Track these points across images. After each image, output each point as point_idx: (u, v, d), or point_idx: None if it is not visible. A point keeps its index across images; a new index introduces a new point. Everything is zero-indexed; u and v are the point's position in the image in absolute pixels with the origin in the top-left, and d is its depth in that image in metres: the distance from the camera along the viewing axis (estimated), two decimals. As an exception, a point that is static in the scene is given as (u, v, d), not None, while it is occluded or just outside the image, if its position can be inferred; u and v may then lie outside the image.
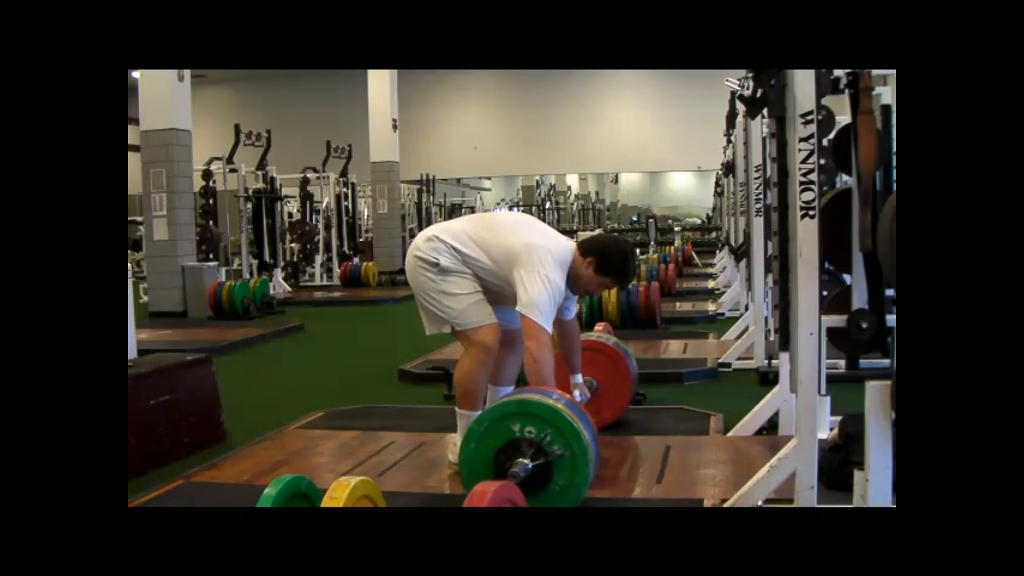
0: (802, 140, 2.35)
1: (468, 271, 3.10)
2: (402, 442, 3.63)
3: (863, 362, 2.53)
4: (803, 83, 2.35)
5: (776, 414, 3.54)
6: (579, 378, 3.40)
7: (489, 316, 3.11)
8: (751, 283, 5.43)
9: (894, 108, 2.70)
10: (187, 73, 9.25)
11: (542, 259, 2.99)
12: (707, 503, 2.75)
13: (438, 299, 3.10)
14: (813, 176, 2.34)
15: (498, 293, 3.14)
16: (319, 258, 13.31)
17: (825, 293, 2.44)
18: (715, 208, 19.91)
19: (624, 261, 3.16)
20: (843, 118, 2.50)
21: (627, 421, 3.96)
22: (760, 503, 2.43)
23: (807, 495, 2.38)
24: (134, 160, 7.50)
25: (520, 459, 2.49)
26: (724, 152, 10.05)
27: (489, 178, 27.04)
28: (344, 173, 13.89)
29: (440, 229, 3.19)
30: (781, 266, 2.58)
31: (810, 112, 2.35)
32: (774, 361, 4.04)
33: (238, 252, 11.55)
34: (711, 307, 8.35)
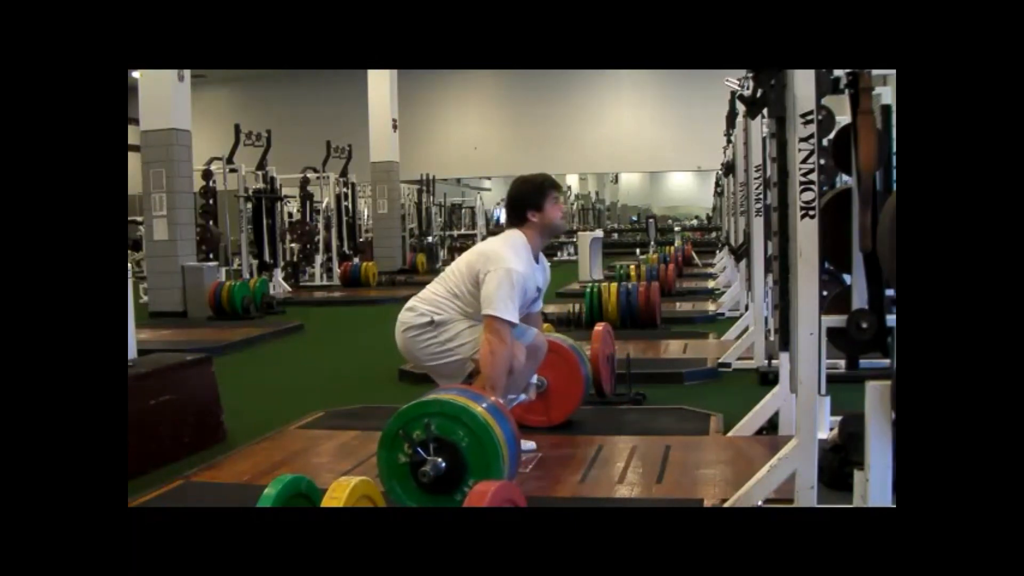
0: (802, 140, 2.35)
1: (459, 316, 3.16)
2: (402, 442, 3.62)
3: (863, 362, 2.52)
4: (803, 83, 2.35)
5: (776, 414, 3.54)
6: (533, 377, 3.43)
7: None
8: (751, 283, 5.43)
9: (894, 108, 2.70)
10: (187, 73, 9.25)
11: (495, 257, 3.07)
12: (707, 503, 2.75)
13: (448, 349, 3.15)
14: (813, 176, 2.34)
15: None
16: (319, 258, 13.31)
17: (825, 293, 2.44)
18: (715, 208, 19.91)
19: (532, 179, 3.27)
20: (843, 118, 2.50)
21: (627, 421, 3.97)
22: (760, 503, 2.43)
23: (807, 495, 2.38)
24: (134, 160, 7.50)
25: (431, 458, 2.44)
26: (724, 152, 10.05)
27: (489, 178, 27.04)
28: (344, 173, 13.89)
29: (416, 301, 3.26)
30: (781, 266, 2.58)
31: (810, 112, 2.35)
32: (774, 361, 4.04)
33: (238, 252, 11.55)
34: (711, 307, 8.35)
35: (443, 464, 2.44)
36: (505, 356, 2.97)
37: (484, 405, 2.54)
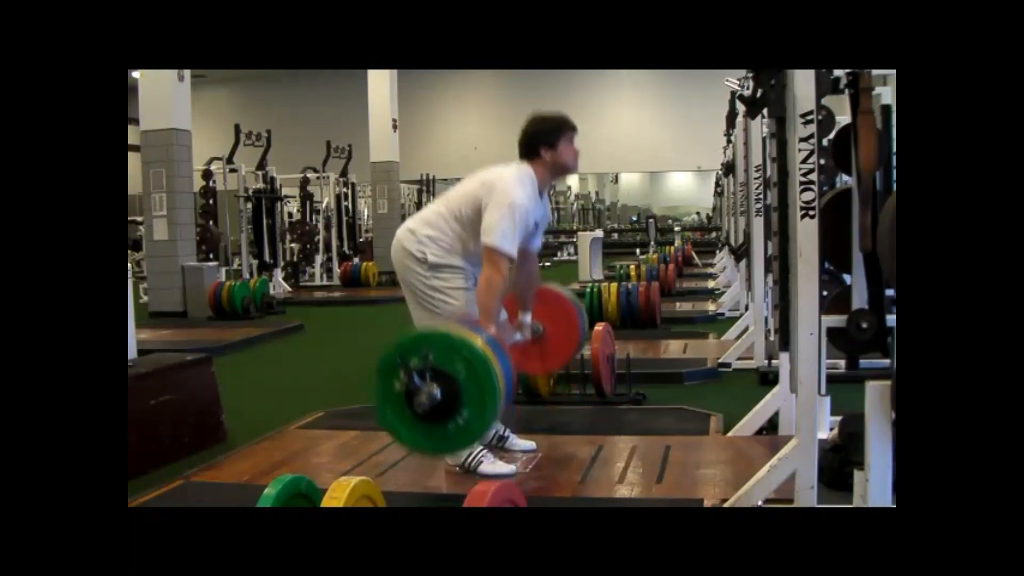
0: (802, 140, 2.35)
1: (457, 262, 3.08)
2: (402, 442, 3.62)
3: (863, 362, 2.53)
4: (803, 83, 2.35)
5: (776, 414, 3.54)
6: (528, 317, 3.37)
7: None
8: (751, 283, 5.43)
9: (894, 108, 2.70)
10: (187, 73, 9.25)
11: (501, 188, 2.99)
12: (707, 503, 2.75)
13: (431, 295, 3.08)
14: (813, 176, 2.34)
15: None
16: (319, 258, 13.31)
17: (825, 293, 2.44)
18: (715, 208, 19.91)
19: (551, 116, 3.18)
20: (843, 118, 2.50)
21: (627, 421, 3.97)
22: (760, 503, 2.43)
23: (807, 495, 2.38)
24: (134, 160, 7.50)
25: (427, 388, 2.42)
26: (724, 152, 10.05)
27: (489, 178, 26.97)
28: (344, 173, 13.90)
29: (417, 223, 3.16)
30: (781, 266, 2.58)
31: (810, 112, 2.35)
32: (774, 361, 4.04)
33: (238, 252, 11.55)
34: (711, 307, 8.35)
35: (438, 394, 2.42)
36: (500, 287, 2.93)
37: (483, 338, 2.51)
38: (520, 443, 3.43)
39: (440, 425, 2.44)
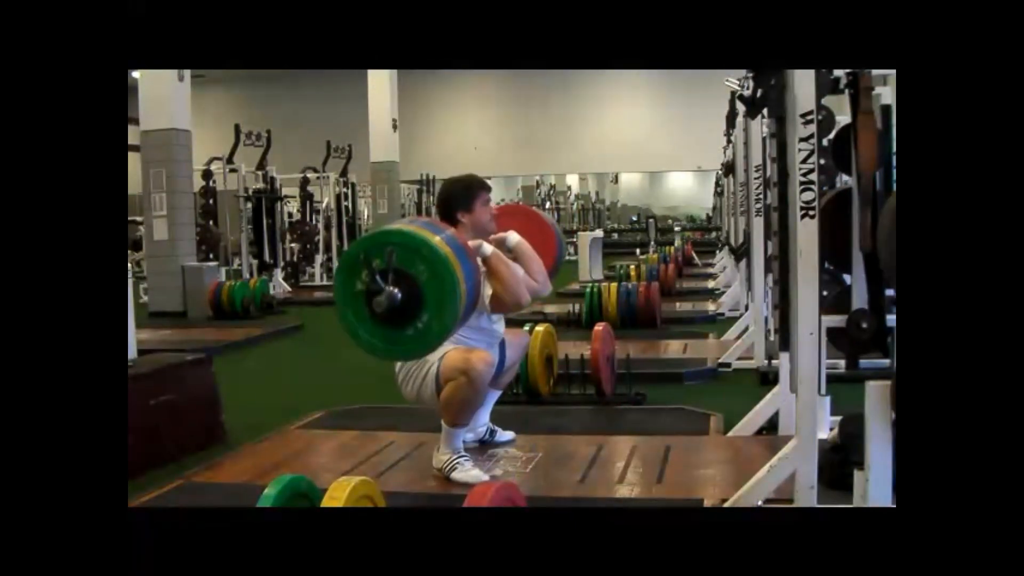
0: (802, 140, 2.35)
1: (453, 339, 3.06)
2: (402, 442, 3.62)
3: (863, 362, 2.53)
4: (803, 83, 2.35)
5: (776, 414, 3.54)
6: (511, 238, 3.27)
7: (476, 350, 3.05)
8: (751, 283, 5.43)
9: (894, 108, 2.70)
10: (187, 73, 9.25)
11: None
12: (707, 503, 2.75)
13: (422, 370, 3.07)
14: (813, 176, 2.34)
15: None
16: (319, 258, 13.30)
17: (825, 293, 2.44)
18: (715, 208, 19.90)
19: (461, 179, 3.22)
20: (843, 118, 2.50)
21: (627, 421, 3.97)
22: (760, 503, 2.43)
23: (807, 495, 2.38)
24: (134, 160, 7.49)
25: (388, 289, 2.39)
26: (724, 152, 10.04)
27: (489, 178, 26.63)
28: (344, 173, 13.88)
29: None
30: (781, 266, 2.58)
31: (810, 112, 2.35)
32: (774, 361, 4.04)
33: (238, 252, 11.55)
34: (711, 307, 8.34)
35: (399, 295, 2.39)
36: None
37: (445, 238, 2.48)
38: (503, 435, 3.53)
39: (399, 329, 2.41)
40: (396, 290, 2.38)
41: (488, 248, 3.06)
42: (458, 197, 3.16)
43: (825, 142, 2.46)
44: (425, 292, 2.38)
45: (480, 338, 3.14)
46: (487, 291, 3.03)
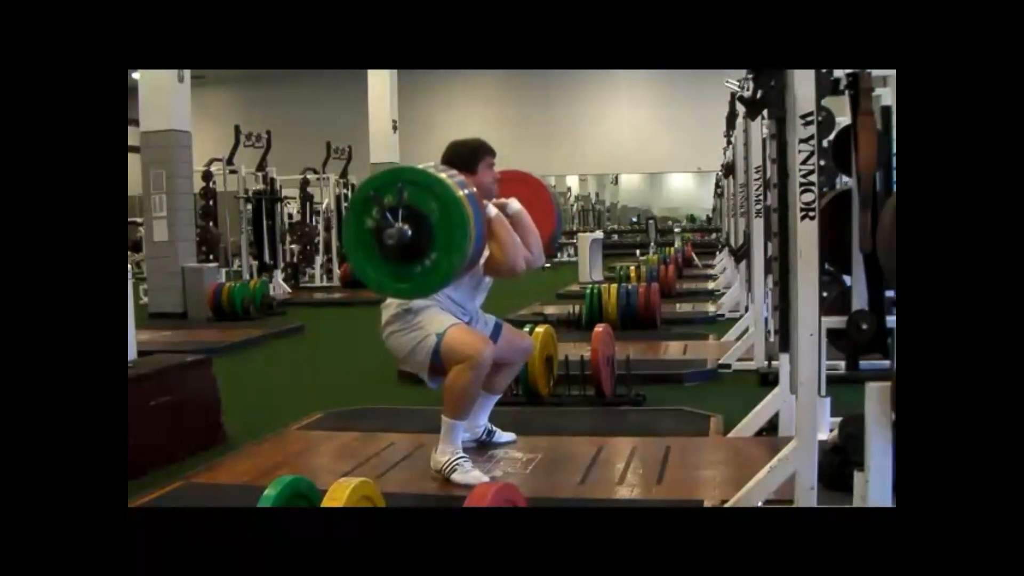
0: (802, 141, 2.35)
1: (437, 302, 3.09)
2: (402, 443, 3.62)
3: (863, 363, 2.53)
4: (803, 84, 2.35)
5: (776, 415, 3.54)
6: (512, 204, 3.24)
7: (477, 333, 3.10)
8: (751, 284, 5.43)
9: (894, 109, 2.70)
10: (187, 73, 9.25)
11: None
12: (707, 504, 2.75)
13: (415, 326, 3.07)
14: (813, 177, 2.34)
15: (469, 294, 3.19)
16: (319, 259, 13.30)
17: (825, 294, 2.44)
18: (715, 209, 19.91)
19: (467, 143, 3.19)
20: (843, 119, 2.51)
21: (627, 422, 3.97)
22: (760, 504, 2.43)
23: (807, 496, 2.38)
24: (134, 161, 7.50)
25: (398, 224, 2.40)
26: (724, 153, 10.04)
27: (489, 179, 26.94)
28: (344, 174, 13.88)
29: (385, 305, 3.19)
30: (781, 267, 2.58)
31: (810, 113, 2.35)
32: (774, 362, 4.04)
33: (238, 253, 11.55)
34: (711, 308, 8.35)
35: (409, 232, 2.40)
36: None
37: (457, 180, 2.50)
38: (503, 436, 3.52)
39: (407, 266, 2.42)
40: (407, 226, 2.40)
41: (493, 210, 3.04)
42: (463, 157, 3.13)
43: (825, 143, 2.46)
44: (435, 230, 2.41)
45: (463, 301, 3.16)
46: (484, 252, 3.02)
